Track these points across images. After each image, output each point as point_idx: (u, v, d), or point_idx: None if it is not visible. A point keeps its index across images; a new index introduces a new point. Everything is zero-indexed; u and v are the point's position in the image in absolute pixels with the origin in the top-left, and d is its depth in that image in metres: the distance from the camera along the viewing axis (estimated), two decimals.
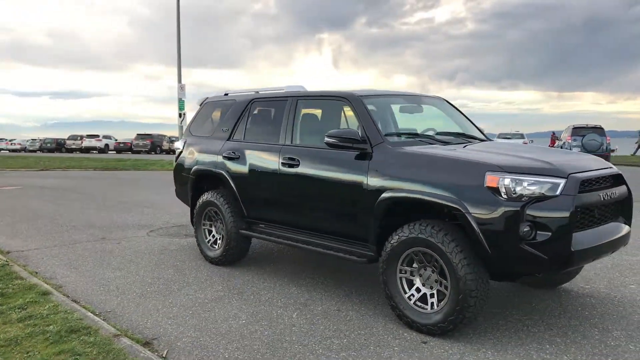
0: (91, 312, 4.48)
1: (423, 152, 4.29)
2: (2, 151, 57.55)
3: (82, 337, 3.85)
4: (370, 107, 4.88)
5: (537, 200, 3.72)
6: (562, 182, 3.78)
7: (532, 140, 30.82)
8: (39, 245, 7.36)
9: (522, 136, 29.28)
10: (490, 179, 3.75)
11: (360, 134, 4.59)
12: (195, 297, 5.07)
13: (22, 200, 12.13)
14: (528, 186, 3.73)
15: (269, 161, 5.37)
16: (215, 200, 6.00)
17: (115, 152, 49.56)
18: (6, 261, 6.06)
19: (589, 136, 24.84)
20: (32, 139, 60.44)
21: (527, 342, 3.95)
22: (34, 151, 54.72)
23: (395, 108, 5.69)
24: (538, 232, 3.69)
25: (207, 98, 6.71)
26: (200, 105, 6.73)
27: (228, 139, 5.98)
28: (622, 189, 4.28)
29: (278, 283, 5.46)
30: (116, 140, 53.38)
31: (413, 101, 5.52)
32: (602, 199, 3.96)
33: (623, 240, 4.28)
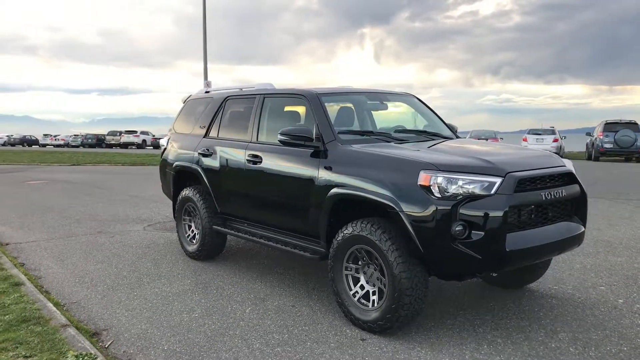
0: (53, 304, 4.66)
1: (367, 150, 4.29)
2: (47, 146, 59.72)
3: (31, 327, 4.02)
4: (329, 105, 4.91)
5: (471, 199, 3.68)
6: (498, 181, 3.73)
7: (564, 137, 29.94)
8: (38, 238, 7.67)
9: (552, 132, 28.49)
10: (423, 177, 3.73)
11: (315, 132, 4.63)
12: (161, 290, 5.21)
13: (41, 194, 12.61)
14: (462, 185, 3.70)
15: (237, 158, 5.46)
16: (192, 196, 6.14)
17: (152, 147, 50.71)
18: None
19: (622, 132, 24.04)
20: (75, 135, 62.55)
21: (466, 342, 3.92)
22: (77, 146, 56.55)
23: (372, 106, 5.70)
24: (471, 231, 3.66)
25: (190, 95, 6.85)
26: (184, 102, 6.88)
27: (204, 136, 6.10)
28: (572, 188, 4.18)
29: (245, 278, 5.56)
30: (153, 135, 54.63)
31: (377, 98, 5.51)
32: (545, 198, 3.88)
33: (574, 240, 4.19)
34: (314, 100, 4.84)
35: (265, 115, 5.38)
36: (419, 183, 3.75)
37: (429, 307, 4.64)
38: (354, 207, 4.29)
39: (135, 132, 54.14)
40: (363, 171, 4.14)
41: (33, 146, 61.76)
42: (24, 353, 3.60)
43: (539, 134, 28.46)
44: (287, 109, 5.30)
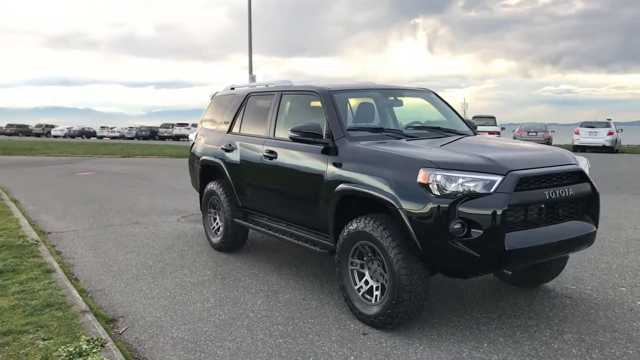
0: (79, 290, 4.94)
1: (371, 147, 4.33)
2: (104, 138, 62.04)
3: (53, 312, 4.29)
4: (341, 101, 4.97)
5: (470, 197, 3.68)
6: (498, 179, 3.71)
7: (621, 130, 28.75)
8: (77, 228, 8.08)
9: (607, 125, 27.39)
10: (422, 175, 3.76)
11: (325, 128, 4.71)
12: (182, 280, 5.42)
13: (87, 185, 13.20)
14: (461, 183, 3.70)
15: (255, 153, 5.61)
16: (216, 190, 6.34)
17: None
18: (37, 241, 6.74)
19: None
20: (130, 127, 64.70)
21: (467, 340, 3.92)
22: (131, 138, 58.46)
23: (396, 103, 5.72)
24: (470, 229, 3.66)
25: (217, 92, 7.05)
26: (211, 98, 7.08)
27: (228, 132, 6.28)
28: (582, 186, 4.10)
29: (263, 271, 5.71)
30: None
31: (392, 95, 5.51)
32: (549, 197, 3.83)
33: (583, 240, 4.11)
34: (326, 96, 4.91)
35: (282, 112, 5.50)
36: (418, 181, 3.77)
37: (438, 303, 4.66)
38: (360, 203, 4.34)
39: (186, 124, 55.46)
40: (367, 168, 4.19)
41: (91, 138, 64.29)
42: (42, 336, 3.85)
43: (593, 127, 27.44)
44: (302, 106, 5.38)
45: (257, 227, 5.73)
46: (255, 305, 4.69)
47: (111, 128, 67.32)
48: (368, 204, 4.26)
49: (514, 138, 28.77)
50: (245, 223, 5.93)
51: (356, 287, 4.32)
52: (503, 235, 3.65)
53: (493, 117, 30.47)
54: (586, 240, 4.13)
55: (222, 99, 6.76)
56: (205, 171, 6.69)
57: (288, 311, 4.55)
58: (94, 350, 3.57)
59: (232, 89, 6.73)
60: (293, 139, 4.75)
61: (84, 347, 3.60)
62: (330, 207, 4.50)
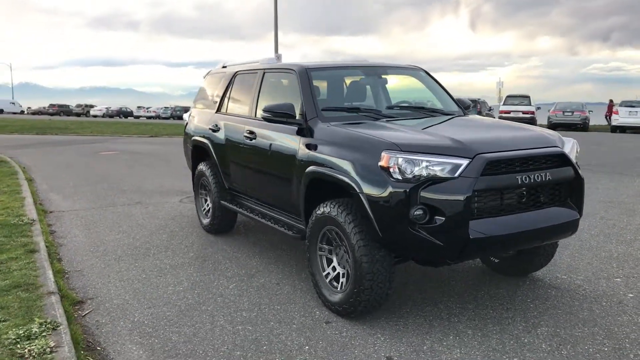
0: (56, 271, 4.93)
1: (341, 128, 4.13)
2: (140, 118, 63.08)
3: (19, 293, 4.28)
4: (319, 80, 4.76)
5: (434, 182, 3.45)
6: (464, 162, 3.46)
7: None
8: (80, 207, 8.14)
9: None
10: (384, 158, 3.54)
11: (300, 108, 4.52)
12: (162, 262, 5.37)
13: (106, 165, 13.35)
14: (425, 167, 3.47)
15: (238, 133, 5.46)
16: (205, 171, 6.24)
17: None
18: (33, 220, 6.80)
19: None
20: (165, 107, 65.52)
21: (433, 332, 3.73)
22: (167, 118, 59.22)
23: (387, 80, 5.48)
24: (433, 216, 3.44)
25: (210, 71, 6.91)
26: (204, 78, 6.95)
27: (216, 111, 6.14)
28: (562, 171, 3.80)
29: (246, 254, 5.60)
30: None
31: (375, 73, 5.25)
32: (522, 182, 3.56)
33: (563, 228, 3.83)
34: (302, 74, 4.70)
35: (264, 91, 5.32)
36: (379, 164, 3.56)
37: (415, 291, 4.46)
38: (329, 187, 4.16)
39: None
40: (335, 150, 3.99)
41: (128, 117, 65.46)
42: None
43: (633, 106, 26.21)
44: (282, 84, 5.19)
45: (240, 210, 5.61)
46: (226, 290, 4.59)
47: (147, 108, 68.37)
48: (336, 187, 4.07)
49: (549, 118, 27.81)
50: (230, 205, 5.82)
51: (324, 274, 4.16)
52: (467, 223, 3.42)
53: (527, 97, 29.49)
54: (566, 228, 3.86)
55: (213, 78, 6.62)
56: (196, 152, 6.60)
57: (257, 296, 4.43)
58: (44, 334, 3.52)
59: (224, 67, 6.58)
60: (265, 119, 4.57)
61: (35, 330, 3.56)
62: (301, 190, 4.34)
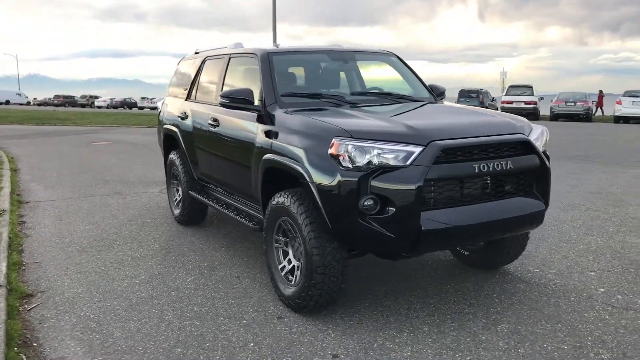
0: (12, 263, 4.79)
1: (297, 114, 3.93)
2: (144, 109, 62.98)
3: None
4: (281, 65, 4.57)
5: (385, 170, 3.26)
6: (416, 150, 3.27)
7: None
8: (58, 197, 8.00)
9: None
10: (334, 145, 3.35)
11: (259, 94, 4.33)
12: (125, 254, 5.21)
13: (96, 155, 13.21)
14: (377, 154, 3.28)
15: (204, 121, 5.28)
16: (175, 160, 6.07)
17: None
18: (3, 211, 6.67)
19: None
20: None
21: (388, 328, 3.55)
22: None
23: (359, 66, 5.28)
24: (383, 207, 3.25)
25: (184, 57, 6.72)
26: (178, 64, 6.76)
27: (186, 99, 5.96)
28: (526, 159, 3.60)
29: (213, 246, 5.43)
30: None
31: (342, 58, 5.04)
32: (479, 170, 3.36)
33: (527, 220, 3.64)
34: (263, 58, 4.51)
35: (229, 77, 5.12)
36: (329, 151, 3.37)
37: (379, 284, 4.28)
38: (285, 176, 3.97)
39: None
40: (290, 137, 3.80)
41: (132, 108, 65.37)
42: None
43: (637, 96, 25.78)
44: (246, 69, 4.99)
45: (206, 200, 5.44)
46: (183, 283, 4.43)
47: (151, 99, 68.19)
48: (291, 177, 3.89)
49: (551, 108, 27.42)
50: (198, 196, 5.65)
51: (280, 266, 3.98)
52: (419, 214, 3.23)
53: (530, 87, 29.09)
54: (530, 219, 3.66)
55: (185, 64, 6.43)
56: (167, 140, 6.43)
57: (214, 290, 4.26)
58: None
59: (197, 52, 6.38)
60: (223, 105, 4.38)
61: None
62: (258, 180, 4.16)
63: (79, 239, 5.75)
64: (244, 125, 4.45)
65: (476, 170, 3.35)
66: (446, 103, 4.87)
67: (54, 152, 14.07)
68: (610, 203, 7.04)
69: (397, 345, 3.32)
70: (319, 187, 3.40)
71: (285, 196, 3.75)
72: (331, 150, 3.35)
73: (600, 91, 32.51)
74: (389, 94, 4.74)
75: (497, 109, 28.44)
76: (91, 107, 66.33)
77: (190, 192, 5.80)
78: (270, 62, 4.47)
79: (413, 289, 4.21)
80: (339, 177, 3.29)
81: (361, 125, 3.53)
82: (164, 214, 6.79)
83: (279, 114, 4.07)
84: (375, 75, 5.33)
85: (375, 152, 3.28)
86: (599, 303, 3.89)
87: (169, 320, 3.73)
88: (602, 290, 4.13)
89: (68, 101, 72.51)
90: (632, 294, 4.04)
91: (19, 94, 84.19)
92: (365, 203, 3.24)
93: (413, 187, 3.19)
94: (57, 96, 74.74)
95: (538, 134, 3.87)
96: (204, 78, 5.70)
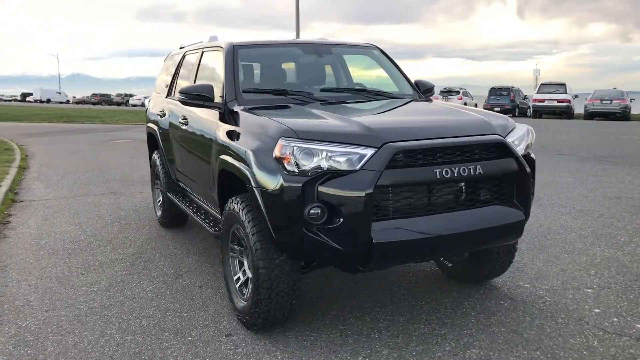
0: None
1: (250, 113, 3.59)
2: None
3: None
4: (247, 59, 4.25)
5: (333, 175, 2.90)
6: (368, 153, 2.90)
7: None
8: (54, 196, 7.88)
9: None
10: (278, 146, 3.00)
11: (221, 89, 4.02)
12: (94, 258, 4.98)
13: (110, 153, 13.16)
14: (325, 157, 2.92)
15: (176, 119, 5.00)
16: (156, 160, 5.83)
17: None
18: None
19: None
20: None
21: (343, 350, 3.20)
22: None
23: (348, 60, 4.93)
24: (331, 216, 2.90)
25: (170, 52, 6.46)
26: (164, 61, 6.51)
27: (167, 96, 5.70)
28: (501, 163, 3.19)
29: (186, 251, 5.15)
30: None
31: (319, 51, 4.67)
32: (442, 176, 2.96)
33: (502, 231, 3.22)
34: (228, 52, 4.20)
35: (200, 71, 4.82)
36: (273, 153, 3.02)
37: (346, 298, 3.93)
38: (237, 179, 3.64)
39: None
40: (242, 137, 3.47)
41: None
42: None
43: None
44: (215, 64, 4.68)
45: (179, 203, 5.16)
46: (142, 292, 4.15)
47: None
48: (241, 181, 3.56)
49: (585, 107, 26.35)
50: (173, 198, 5.38)
51: (235, 278, 3.66)
52: (369, 224, 2.85)
53: (563, 85, 28.04)
54: (506, 231, 3.24)
55: (169, 60, 6.17)
56: (150, 139, 6.19)
57: (171, 301, 3.97)
58: None
59: (181, 48, 6.11)
60: (182, 102, 4.08)
61: None
62: (215, 182, 3.85)
63: (54, 241, 5.55)
64: (207, 124, 4.15)
65: (438, 176, 2.95)
66: (434, 101, 4.45)
67: (70, 149, 14.10)
68: (628, 210, 6.47)
69: None
70: (263, 192, 3.06)
71: (236, 202, 3.43)
72: (275, 152, 3.00)
73: None
74: (364, 90, 4.35)
75: (528, 108, 27.56)
76: (126, 105, 67.39)
77: (167, 193, 5.53)
78: (235, 56, 4.15)
79: (384, 304, 3.83)
80: (282, 182, 2.94)
81: (311, 125, 3.18)
82: (151, 215, 6.55)
83: (236, 111, 3.75)
84: (359, 70, 4.95)
85: (324, 154, 2.92)
86: (590, 327, 3.43)
87: (111, 335, 3.45)
88: (597, 311, 3.66)
89: (104, 99, 73.87)
90: (630, 317, 3.57)
91: (59, 93, 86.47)
92: (311, 212, 2.89)
93: (362, 194, 2.82)
94: (94, 94, 76.29)
95: (520, 135, 3.45)
96: (182, 74, 5.42)
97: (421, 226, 2.96)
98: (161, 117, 5.52)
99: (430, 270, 4.49)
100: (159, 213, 5.96)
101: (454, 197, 3.11)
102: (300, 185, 2.90)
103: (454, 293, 4.01)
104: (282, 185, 2.94)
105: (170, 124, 5.22)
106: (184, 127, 4.69)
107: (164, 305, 3.90)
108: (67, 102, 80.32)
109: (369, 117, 3.52)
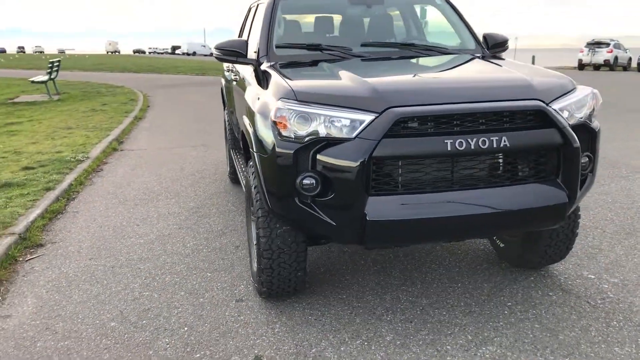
0: (49, 211, 4.99)
1: (272, 70, 3.34)
2: None
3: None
4: (289, 10, 4.01)
5: (330, 143, 2.62)
6: (367, 118, 2.57)
7: None
8: (152, 147, 8.33)
9: None
10: (273, 109, 2.76)
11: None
12: (155, 210, 5.16)
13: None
14: (322, 122, 2.64)
15: (232, 74, 4.91)
16: (225, 115, 5.84)
17: None
18: (86, 158, 7.07)
19: None
20: None
21: (345, 330, 2.97)
22: None
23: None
24: (326, 188, 2.64)
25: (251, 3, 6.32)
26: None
27: None
28: (536, 135, 2.67)
29: (241, 209, 5.14)
30: None
31: (367, 2, 4.23)
32: (455, 148, 2.54)
33: (536, 215, 2.73)
34: (269, 3, 3.97)
35: (253, 26, 4.63)
36: (269, 117, 2.80)
37: (377, 274, 3.65)
38: None
39: None
40: (261, 99, 3.25)
41: None
42: None
43: None
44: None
45: (234, 159, 5.11)
46: (181, 247, 4.22)
47: None
48: None
49: None
50: (232, 153, 5.35)
51: (255, 242, 3.54)
52: (362, 200, 2.55)
53: None
54: (540, 215, 2.74)
55: (250, 10, 6.01)
56: (222, 93, 6.19)
57: (203, 259, 3.99)
58: None
59: None
60: (217, 58, 3.94)
61: None
62: (241, 145, 3.72)
63: (129, 190, 5.84)
64: (243, 82, 4.00)
65: (449, 148, 2.53)
66: (494, 61, 3.87)
67: (190, 101, 14.84)
68: None
69: (336, 356, 2.73)
70: (260, 158, 2.87)
71: (250, 166, 3.27)
72: (271, 115, 2.77)
73: None
74: (412, 44, 3.88)
75: None
76: None
77: (231, 149, 5.53)
78: (274, 7, 3.92)
79: (414, 282, 3.50)
80: (276, 149, 2.71)
81: (314, 86, 2.88)
82: (227, 170, 6.65)
83: (264, 69, 3.53)
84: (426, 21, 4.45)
85: (322, 118, 2.64)
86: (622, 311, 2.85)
87: (132, 289, 3.53)
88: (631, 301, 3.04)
89: None
90: None
91: (204, 46, 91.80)
92: (304, 182, 2.64)
93: (353, 165, 2.51)
94: None
95: (576, 100, 2.86)
96: (246, 27, 5.28)
97: (428, 204, 2.59)
98: (226, 71, 5.48)
99: (483, 247, 4.03)
100: (229, 168, 6.01)
101: (477, 172, 2.67)
102: (292, 152, 2.65)
103: (498, 277, 3.55)
104: (275, 151, 2.71)
105: (229, 79, 5.15)
106: (234, 83, 4.59)
107: (194, 263, 3.92)
108: (211, 54, 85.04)
109: (384, 77, 3.12)
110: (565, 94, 2.85)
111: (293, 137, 2.67)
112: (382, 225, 2.56)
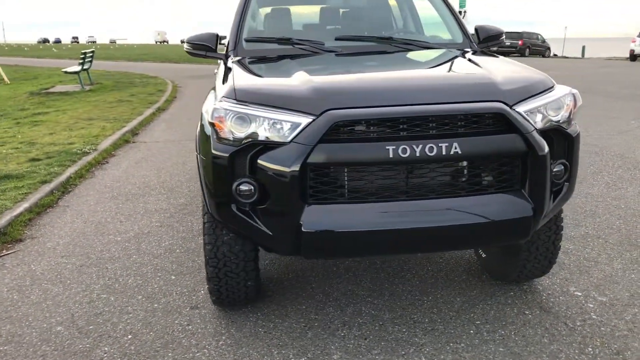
0: (38, 205, 4.98)
1: (238, 66, 3.16)
2: None
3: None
4: (263, 3, 3.80)
5: (266, 147, 2.43)
6: (304, 121, 2.36)
7: None
8: (166, 139, 8.34)
9: None
10: (210, 110, 2.59)
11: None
12: (144, 205, 5.08)
13: None
14: (260, 124, 2.46)
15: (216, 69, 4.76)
16: None
17: None
18: (93, 150, 7.09)
19: None
20: None
21: (292, 346, 2.78)
22: None
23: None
24: (264, 195, 2.46)
25: None
26: None
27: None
28: (494, 140, 2.40)
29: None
30: None
31: None
32: (397, 155, 2.30)
33: (494, 229, 2.47)
34: None
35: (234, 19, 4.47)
36: (208, 118, 2.63)
37: (347, 282, 3.45)
38: None
39: None
40: (214, 97, 3.10)
41: None
42: None
43: None
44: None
45: None
46: (155, 247, 4.12)
47: None
48: None
49: None
50: None
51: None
52: (297, 209, 2.36)
53: None
54: (500, 230, 2.47)
55: None
56: None
57: (172, 261, 3.88)
58: None
59: None
60: (187, 52, 3.79)
61: None
62: None
63: (125, 185, 5.80)
64: (215, 77, 3.83)
65: (391, 155, 2.29)
66: (482, 55, 3.57)
67: None
68: None
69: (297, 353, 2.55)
70: (201, 161, 2.71)
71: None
72: (208, 116, 2.59)
73: None
74: (390, 38, 3.61)
75: None
76: None
77: None
78: (246, 1, 3.72)
79: (382, 294, 3.28)
80: (212, 151, 2.54)
81: (255, 85, 2.69)
82: None
83: (229, 63, 3.36)
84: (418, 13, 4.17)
85: (261, 121, 2.44)
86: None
87: (92, 290, 3.45)
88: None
89: None
90: None
91: None
92: (241, 187, 2.46)
93: (286, 170, 2.32)
94: None
95: (551, 101, 2.57)
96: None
97: (372, 215, 2.36)
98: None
99: (468, 257, 3.76)
100: None
101: (429, 182, 2.42)
102: (227, 155, 2.47)
103: (474, 291, 3.29)
104: (212, 154, 2.54)
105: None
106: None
107: (162, 264, 3.80)
108: None
109: (333, 76, 2.89)
110: (538, 93, 2.57)
111: (231, 139, 2.49)
112: (319, 236, 2.36)
